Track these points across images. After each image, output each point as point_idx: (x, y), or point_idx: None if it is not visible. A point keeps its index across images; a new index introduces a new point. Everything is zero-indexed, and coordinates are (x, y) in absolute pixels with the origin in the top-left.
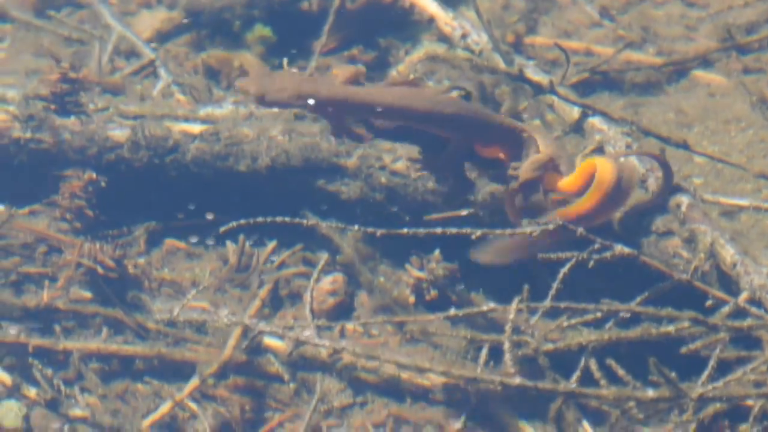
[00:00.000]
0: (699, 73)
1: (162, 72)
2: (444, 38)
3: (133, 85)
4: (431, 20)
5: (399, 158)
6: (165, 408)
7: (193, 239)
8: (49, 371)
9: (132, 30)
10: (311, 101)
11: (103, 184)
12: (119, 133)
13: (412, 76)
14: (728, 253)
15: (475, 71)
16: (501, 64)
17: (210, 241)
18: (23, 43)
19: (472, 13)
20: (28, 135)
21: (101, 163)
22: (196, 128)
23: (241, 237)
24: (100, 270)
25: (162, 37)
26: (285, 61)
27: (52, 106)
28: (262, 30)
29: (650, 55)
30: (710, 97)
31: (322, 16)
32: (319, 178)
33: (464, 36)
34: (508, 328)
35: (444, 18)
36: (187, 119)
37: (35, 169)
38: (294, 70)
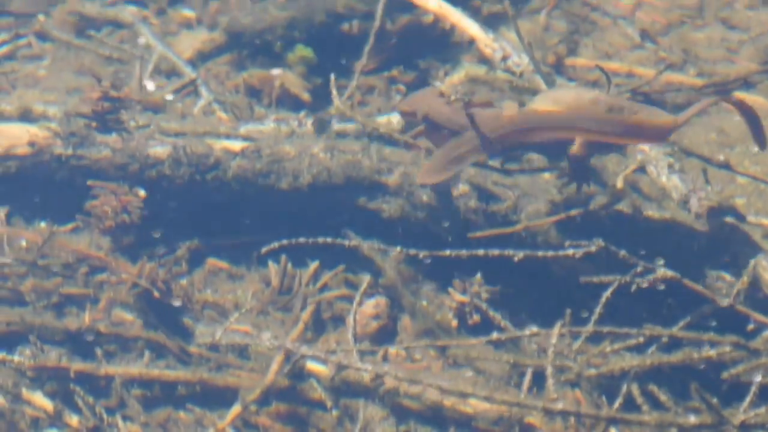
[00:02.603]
0: (740, 95)
1: (203, 91)
2: (484, 60)
3: (175, 103)
4: (471, 42)
5: None
6: None
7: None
8: (90, 398)
9: (173, 50)
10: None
11: (142, 194)
12: (160, 150)
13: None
14: None
15: (516, 93)
16: (542, 86)
17: (252, 262)
18: (64, 62)
19: (512, 35)
20: (70, 152)
21: (142, 179)
22: (237, 145)
23: (283, 258)
24: (156, 293)
25: (203, 57)
26: (332, 77)
27: (94, 124)
28: (303, 50)
29: (691, 77)
30: None
31: (363, 38)
32: (361, 195)
33: (505, 58)
34: (550, 352)
35: (484, 40)
36: (228, 136)
37: (77, 186)
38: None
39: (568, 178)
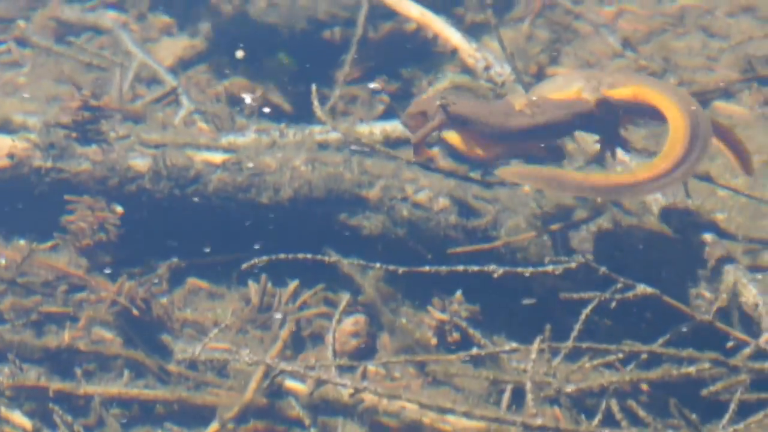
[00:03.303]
0: (720, 105)
1: (184, 100)
2: (467, 70)
3: (155, 113)
4: (454, 51)
5: (422, 189)
6: None
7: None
8: (69, 418)
9: (153, 57)
10: None
11: (119, 210)
12: (140, 163)
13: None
14: (750, 293)
15: None
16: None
17: (232, 280)
18: (44, 69)
19: (495, 44)
20: (49, 164)
21: (122, 193)
22: (217, 157)
23: (263, 276)
24: (135, 311)
25: (184, 64)
26: (313, 87)
27: (73, 135)
28: (284, 58)
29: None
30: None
31: (345, 46)
32: (342, 210)
33: (487, 68)
34: (530, 368)
35: (467, 49)
36: (209, 148)
37: (56, 200)
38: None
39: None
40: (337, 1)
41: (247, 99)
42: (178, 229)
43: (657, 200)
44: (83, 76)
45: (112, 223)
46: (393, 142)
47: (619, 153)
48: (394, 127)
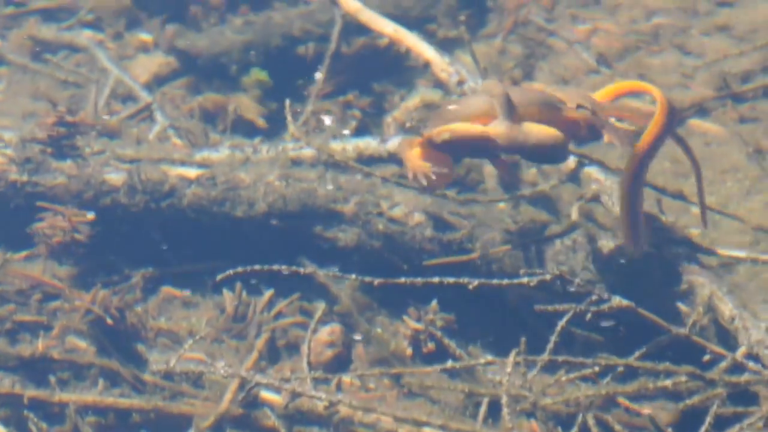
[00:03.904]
0: (695, 122)
1: (158, 116)
2: (440, 84)
3: (130, 128)
4: (427, 65)
5: (397, 204)
6: None
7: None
8: (44, 425)
9: (129, 74)
10: None
11: (90, 216)
12: (115, 177)
13: (408, 124)
14: (726, 307)
15: None
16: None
17: (207, 289)
18: (20, 86)
19: (468, 58)
20: (25, 178)
21: (97, 207)
22: (192, 172)
23: (238, 285)
24: (108, 320)
25: (159, 81)
26: (287, 102)
27: (49, 150)
28: (258, 74)
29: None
30: (706, 147)
31: (318, 61)
32: (317, 224)
33: (460, 83)
34: (505, 381)
35: (440, 64)
36: (183, 163)
37: (32, 214)
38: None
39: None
40: (312, 18)
41: (327, 120)
42: (153, 241)
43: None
44: (59, 93)
45: (83, 224)
46: (366, 159)
47: (594, 171)
48: (368, 143)
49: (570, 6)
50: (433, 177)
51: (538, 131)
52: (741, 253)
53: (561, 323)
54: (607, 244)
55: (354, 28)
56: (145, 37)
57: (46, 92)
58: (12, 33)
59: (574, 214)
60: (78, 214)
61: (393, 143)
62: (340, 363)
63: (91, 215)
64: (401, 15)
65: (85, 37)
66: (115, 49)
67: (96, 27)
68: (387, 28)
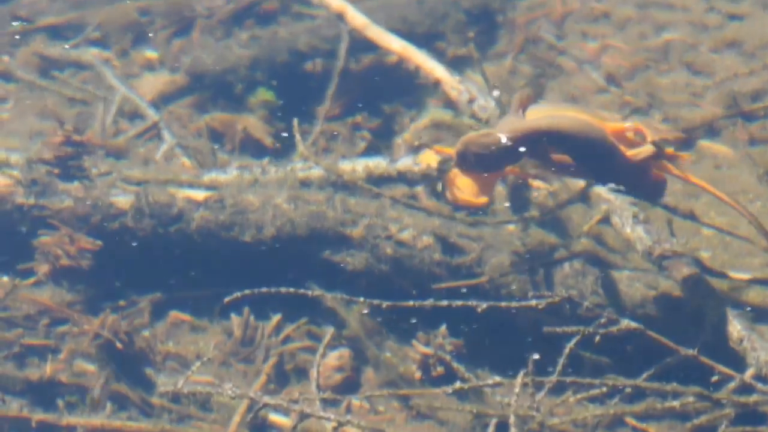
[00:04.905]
0: (705, 144)
1: (166, 134)
2: (450, 103)
3: (137, 148)
4: (437, 84)
5: (406, 227)
6: None
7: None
8: None
9: (135, 91)
10: None
11: (97, 244)
12: (123, 200)
13: (417, 143)
14: (735, 329)
15: None
16: None
17: (215, 314)
18: (27, 104)
19: (478, 77)
20: (32, 201)
21: (105, 231)
22: (200, 195)
23: (246, 309)
24: (118, 344)
25: (165, 99)
26: (295, 122)
27: (56, 170)
28: (264, 93)
29: (656, 122)
30: (716, 169)
31: (326, 77)
32: (325, 248)
33: (471, 101)
34: (513, 402)
35: (450, 82)
36: (191, 185)
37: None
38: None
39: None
40: (318, 33)
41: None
42: (161, 265)
43: (641, 238)
44: (66, 111)
45: (89, 249)
46: (376, 179)
47: (604, 190)
48: (377, 163)
49: (579, 21)
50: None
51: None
52: (751, 275)
53: (570, 345)
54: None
55: (361, 44)
56: (151, 54)
57: (54, 110)
58: (19, 50)
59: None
60: (86, 240)
61: (403, 163)
62: (349, 387)
63: (98, 243)
64: (408, 31)
65: (92, 54)
66: (121, 66)
67: (102, 44)
68: (394, 44)
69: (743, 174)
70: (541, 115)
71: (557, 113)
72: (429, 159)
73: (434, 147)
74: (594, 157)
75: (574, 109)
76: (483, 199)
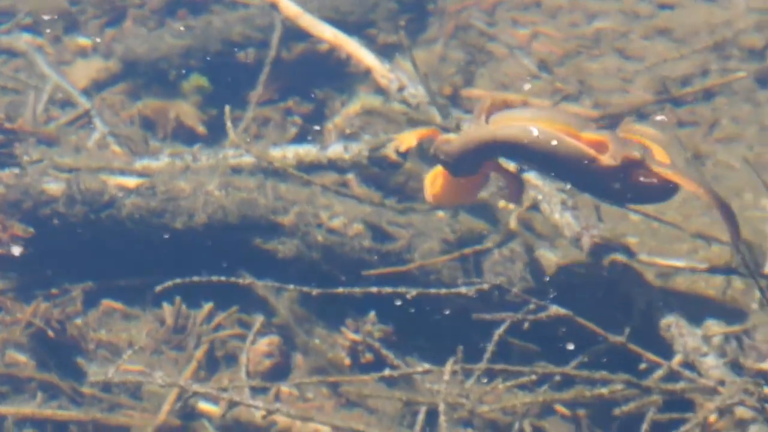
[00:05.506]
0: (636, 126)
1: (97, 122)
2: (381, 90)
3: (69, 135)
4: (368, 72)
5: (336, 215)
6: None
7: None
8: None
9: (67, 79)
10: None
11: (29, 232)
12: (54, 187)
13: (348, 130)
14: (663, 315)
15: (411, 125)
16: (437, 118)
17: (147, 302)
18: None
19: (408, 65)
20: None
21: (36, 217)
22: (132, 182)
23: (177, 298)
24: (50, 333)
25: (98, 86)
26: (227, 109)
27: None
28: (198, 79)
29: (587, 108)
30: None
31: (259, 67)
32: (256, 236)
33: (401, 89)
34: (443, 389)
35: (380, 70)
36: (123, 172)
37: None
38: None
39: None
40: (251, 23)
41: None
42: (93, 253)
43: (569, 224)
44: None
45: (21, 237)
46: (306, 166)
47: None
48: (308, 151)
49: (511, 9)
50: None
51: None
52: (679, 262)
53: (498, 332)
54: (544, 254)
55: (294, 33)
56: (84, 41)
57: None
58: None
59: (513, 223)
60: (18, 227)
61: (333, 150)
62: (279, 373)
63: (30, 230)
64: (341, 20)
65: (25, 41)
66: (54, 54)
67: (34, 30)
68: (326, 33)
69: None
70: (503, 123)
71: (519, 121)
72: (407, 141)
73: (418, 130)
74: (563, 167)
75: (548, 117)
76: (462, 200)
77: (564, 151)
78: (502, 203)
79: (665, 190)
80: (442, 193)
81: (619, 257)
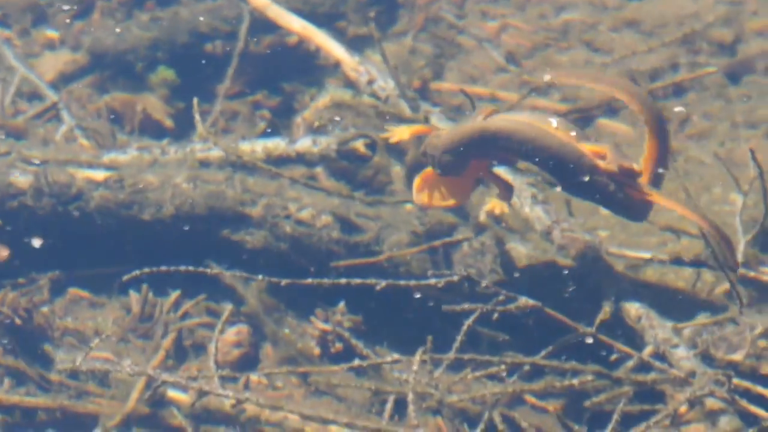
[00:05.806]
0: (604, 122)
1: (65, 115)
2: (350, 83)
3: (36, 128)
4: (337, 64)
5: (305, 207)
6: None
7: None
8: None
9: (35, 72)
10: None
11: None
12: (22, 180)
13: (317, 123)
14: (633, 307)
15: (381, 118)
16: (406, 111)
17: (113, 291)
18: None
19: (378, 58)
20: None
21: (4, 210)
22: (100, 175)
23: (144, 286)
24: (17, 321)
25: (66, 78)
26: (195, 102)
27: None
28: (165, 72)
29: (555, 101)
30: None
31: (227, 59)
32: (224, 227)
33: (370, 82)
34: (411, 379)
35: (350, 63)
36: (90, 165)
37: None
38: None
39: None
40: (219, 14)
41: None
42: (61, 243)
43: (540, 218)
44: None
45: None
46: (275, 160)
47: (503, 171)
48: (276, 144)
49: (480, 2)
50: None
51: None
52: (648, 254)
53: (468, 322)
54: (515, 246)
55: (263, 25)
56: (52, 33)
57: None
58: None
59: (483, 217)
60: None
61: (302, 143)
62: (248, 363)
63: None
64: (310, 11)
65: None
66: (22, 46)
67: (3, 23)
68: (295, 24)
69: (641, 152)
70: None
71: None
72: (400, 134)
73: (413, 126)
74: (555, 165)
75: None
76: (451, 202)
77: (557, 147)
78: (487, 207)
79: (641, 208)
80: (430, 196)
81: (590, 249)
